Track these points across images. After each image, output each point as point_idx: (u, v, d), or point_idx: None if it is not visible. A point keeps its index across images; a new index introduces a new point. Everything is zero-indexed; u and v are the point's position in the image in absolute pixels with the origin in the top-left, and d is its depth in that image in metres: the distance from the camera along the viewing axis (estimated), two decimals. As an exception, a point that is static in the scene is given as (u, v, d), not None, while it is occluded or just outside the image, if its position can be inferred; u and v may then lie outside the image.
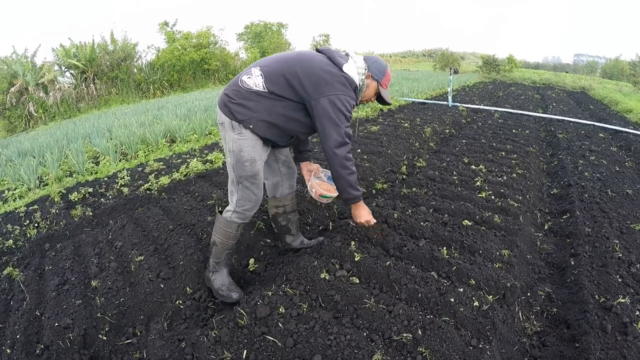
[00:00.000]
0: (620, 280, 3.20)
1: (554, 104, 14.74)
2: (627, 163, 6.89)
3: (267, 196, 3.63)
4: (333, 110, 2.72)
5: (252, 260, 3.56)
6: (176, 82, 25.75)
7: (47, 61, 22.60)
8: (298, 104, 2.81)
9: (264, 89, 2.74)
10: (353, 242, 3.46)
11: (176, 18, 29.34)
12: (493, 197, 4.60)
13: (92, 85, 22.31)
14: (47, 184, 6.36)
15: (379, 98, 3.14)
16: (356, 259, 3.23)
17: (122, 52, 24.36)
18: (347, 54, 2.97)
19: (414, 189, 4.81)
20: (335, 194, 3.22)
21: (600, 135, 9.09)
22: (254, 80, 2.77)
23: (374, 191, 5.22)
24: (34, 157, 7.96)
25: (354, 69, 2.89)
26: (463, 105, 11.94)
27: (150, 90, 24.05)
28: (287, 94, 2.76)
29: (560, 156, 6.96)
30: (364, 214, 3.23)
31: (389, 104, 3.27)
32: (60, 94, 20.69)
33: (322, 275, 3.04)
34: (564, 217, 4.57)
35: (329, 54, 2.89)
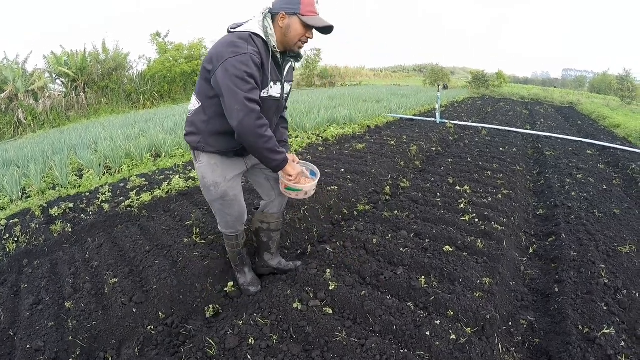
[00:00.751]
0: (605, 308, 3.09)
1: (542, 120, 14.72)
2: (614, 181, 6.82)
3: (255, 208, 3.64)
4: (226, 76, 2.43)
5: (230, 284, 3.47)
6: (166, 94, 25.59)
7: (38, 68, 22.40)
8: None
9: (197, 102, 2.74)
10: (329, 270, 3.36)
11: (168, 29, 29.19)
12: (477, 220, 4.50)
13: (82, 94, 22.13)
14: (29, 196, 6.22)
15: (317, 30, 2.72)
16: (331, 288, 3.13)
17: (114, 61, 24.24)
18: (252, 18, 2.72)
19: (395, 212, 4.69)
20: (301, 186, 2.90)
21: (588, 152, 9.03)
22: (192, 103, 2.81)
23: (355, 213, 5.12)
24: (19, 167, 7.82)
25: (251, 24, 2.63)
26: (451, 122, 11.86)
27: (141, 100, 23.87)
28: (209, 92, 2.66)
29: (548, 175, 6.87)
30: (293, 171, 2.84)
31: (329, 27, 2.65)
32: (50, 102, 20.45)
33: (295, 305, 2.93)
34: (549, 239, 4.47)
35: (229, 28, 2.72)
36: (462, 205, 4.87)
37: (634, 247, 4.07)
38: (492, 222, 4.43)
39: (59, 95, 21.71)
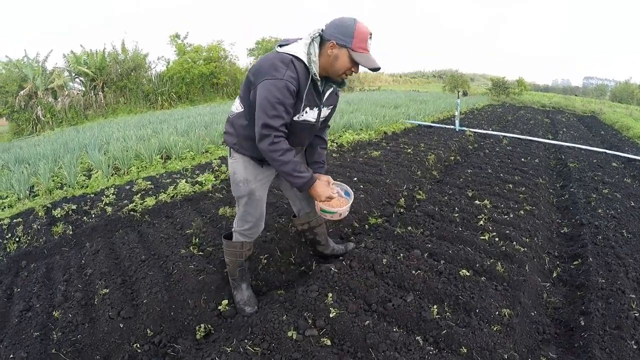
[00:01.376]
0: (635, 347, 2.76)
1: (564, 129, 14.30)
2: (643, 197, 6.44)
3: (293, 216, 3.74)
4: (260, 97, 2.50)
5: (225, 302, 3.28)
6: (184, 95, 25.62)
7: (58, 67, 22.58)
8: None
9: (241, 107, 2.80)
10: (331, 294, 3.08)
11: (187, 31, 29.20)
12: (497, 239, 4.17)
13: (100, 93, 22.23)
14: (37, 195, 6.20)
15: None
16: (332, 315, 2.85)
17: (132, 62, 24.26)
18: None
19: (409, 228, 4.38)
20: (335, 209, 2.95)
21: (614, 164, 8.63)
22: (235, 104, 2.88)
23: (366, 226, 4.82)
24: (29, 165, 7.83)
25: (298, 45, 2.59)
26: (470, 130, 11.50)
27: (158, 101, 23.94)
28: (250, 101, 2.70)
29: (572, 189, 6.50)
30: (320, 192, 2.86)
31: (376, 69, 2.61)
32: (69, 100, 20.60)
33: (290, 334, 2.67)
34: (574, 262, 4.12)
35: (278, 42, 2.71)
36: (481, 222, 4.54)
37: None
38: (514, 242, 4.10)
39: (77, 93, 21.80)
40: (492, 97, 30.55)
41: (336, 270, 3.39)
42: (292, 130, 2.71)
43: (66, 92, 20.99)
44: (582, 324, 3.08)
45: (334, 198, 2.96)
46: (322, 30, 2.60)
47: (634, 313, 3.11)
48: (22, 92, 19.69)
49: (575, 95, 41.13)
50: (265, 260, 3.80)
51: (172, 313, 3.13)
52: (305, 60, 2.54)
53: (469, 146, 9.93)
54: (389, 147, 8.60)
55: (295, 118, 2.67)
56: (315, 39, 2.58)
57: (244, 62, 49.55)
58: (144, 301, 3.13)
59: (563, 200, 6.21)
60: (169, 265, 3.60)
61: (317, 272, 3.53)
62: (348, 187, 3.26)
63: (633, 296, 3.33)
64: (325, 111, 2.94)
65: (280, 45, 2.63)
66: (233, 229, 3.22)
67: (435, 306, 2.97)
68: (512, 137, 11.02)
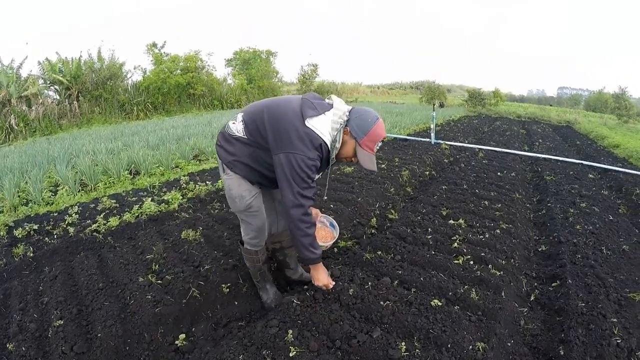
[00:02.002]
0: (619, 379, 2.56)
1: (540, 140, 14.32)
2: (620, 209, 6.33)
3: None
4: (288, 169, 2.65)
5: (182, 336, 3.07)
6: (160, 105, 25.12)
7: (33, 74, 21.91)
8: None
9: (244, 135, 2.87)
10: (291, 330, 2.83)
11: (164, 40, 28.83)
12: (472, 262, 3.96)
13: (75, 102, 21.60)
14: (1, 211, 5.92)
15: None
16: (291, 354, 2.63)
17: (108, 71, 23.73)
18: (330, 104, 2.87)
19: (379, 253, 4.14)
20: (327, 243, 3.21)
21: (590, 175, 8.56)
22: (237, 126, 2.92)
23: (335, 250, 4.59)
24: None
25: (327, 123, 2.77)
26: (446, 142, 11.36)
27: (134, 111, 23.36)
28: (261, 141, 2.81)
29: (549, 203, 6.35)
30: (321, 277, 3.14)
31: (371, 171, 3.01)
32: (43, 109, 19.97)
33: (244, 378, 2.39)
34: (553, 284, 3.94)
35: (303, 102, 2.78)
36: (455, 244, 4.33)
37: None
38: (489, 266, 3.91)
39: (52, 102, 21.20)
40: (468, 108, 30.76)
41: (299, 303, 3.15)
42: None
43: (40, 101, 20.38)
44: (562, 353, 2.88)
45: (331, 285, 3.22)
46: (350, 112, 2.82)
47: (616, 340, 2.91)
48: (-6, 100, 19.11)
49: (550, 105, 41.66)
50: (227, 290, 3.61)
51: (127, 348, 2.96)
52: (329, 145, 2.77)
53: (445, 160, 9.79)
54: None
55: None
56: (343, 128, 2.79)
57: (222, 72, 49.30)
58: (98, 335, 2.95)
59: (540, 215, 6.06)
60: (127, 294, 3.43)
61: (279, 305, 3.35)
62: (334, 221, 3.45)
63: (615, 320, 3.15)
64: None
65: (310, 116, 2.71)
66: (242, 237, 3.32)
67: (403, 342, 2.73)
68: (488, 150, 10.93)
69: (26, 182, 7.10)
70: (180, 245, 4.38)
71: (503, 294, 3.45)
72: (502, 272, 3.80)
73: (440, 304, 3.18)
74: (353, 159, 2.91)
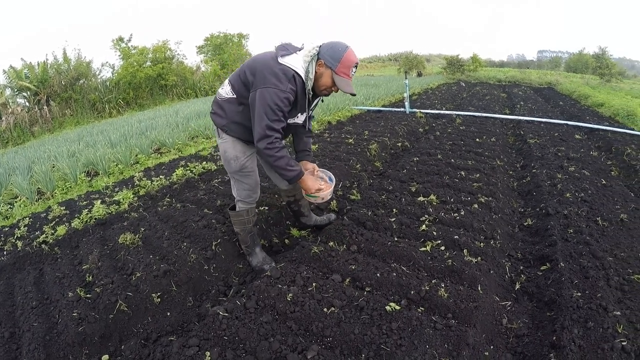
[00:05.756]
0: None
1: (522, 103, 13.75)
2: (612, 172, 5.71)
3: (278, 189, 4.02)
4: (260, 102, 2.78)
5: (105, 357, 2.69)
6: (132, 100, 24.39)
7: None
8: None
9: (232, 94, 3.06)
10: (209, 352, 2.26)
11: (131, 33, 28.00)
12: (443, 248, 3.31)
13: (45, 107, 20.81)
14: None
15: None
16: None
17: (75, 71, 22.98)
18: (302, 47, 2.98)
19: (331, 244, 3.47)
20: (318, 194, 3.24)
21: (577, 136, 7.93)
22: (225, 89, 3.11)
23: (287, 241, 3.91)
24: None
25: (299, 59, 2.88)
26: (422, 111, 10.68)
27: (106, 109, 22.64)
28: (245, 94, 2.96)
29: (534, 169, 5.70)
30: (310, 185, 3.20)
31: (352, 94, 3.08)
32: (14, 118, 19.14)
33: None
34: (542, 267, 3.28)
35: (277, 48, 2.95)
36: (424, 226, 3.66)
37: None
38: (464, 251, 3.26)
39: (22, 110, 20.30)
40: (446, 76, 30.27)
41: (225, 314, 2.53)
42: (284, 129, 2.98)
43: (10, 110, 19.57)
44: (554, 363, 2.22)
45: (322, 189, 3.25)
46: (319, 47, 2.94)
47: (621, 342, 2.26)
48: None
49: (528, 68, 41.34)
50: (159, 299, 3.11)
51: (49, 373, 2.60)
52: (303, 76, 2.89)
53: (420, 129, 9.12)
54: (329, 139, 7.62)
55: (289, 121, 3.05)
56: (314, 58, 2.92)
57: (195, 60, 48.13)
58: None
59: (525, 184, 5.40)
60: (56, 312, 3.05)
61: (206, 316, 2.75)
62: (332, 174, 3.54)
63: (618, 313, 2.51)
64: (311, 113, 3.35)
65: (281, 56, 2.85)
66: (235, 200, 3.47)
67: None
68: (466, 116, 10.30)
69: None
70: (117, 251, 3.85)
71: (480, 287, 2.80)
72: (479, 258, 3.17)
73: (398, 307, 2.53)
74: (332, 88, 3.00)
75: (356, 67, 2.96)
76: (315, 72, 2.95)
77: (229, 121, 3.09)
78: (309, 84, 2.95)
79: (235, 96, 3.04)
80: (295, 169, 3.05)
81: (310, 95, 3.06)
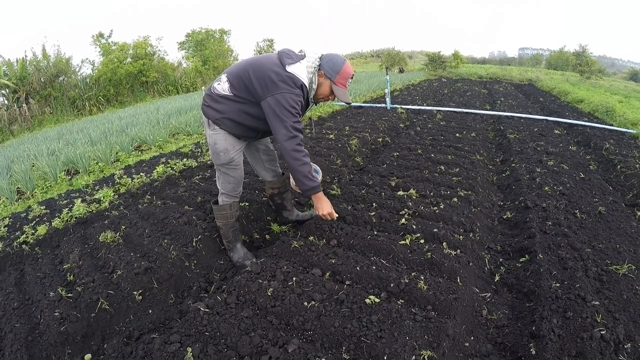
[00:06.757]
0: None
1: (502, 99, 13.88)
2: (590, 166, 5.77)
3: (261, 180, 4.14)
4: (278, 107, 2.87)
5: (88, 356, 2.64)
6: (113, 97, 24.00)
7: None
8: (257, 104, 3.01)
9: (230, 92, 3.08)
10: (191, 348, 2.23)
11: (111, 29, 27.59)
12: (422, 241, 3.31)
13: (24, 105, 20.38)
14: None
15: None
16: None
17: (55, 67, 22.52)
18: (303, 55, 3.07)
19: (311, 239, 3.46)
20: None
21: (556, 132, 8.02)
22: (222, 86, 3.12)
23: (267, 236, 3.90)
24: None
25: (303, 69, 2.99)
26: (403, 106, 10.73)
27: (86, 107, 22.22)
28: (246, 96, 3.02)
29: (514, 164, 5.74)
30: (324, 206, 3.24)
31: (347, 104, 3.36)
32: None
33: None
34: (521, 259, 3.30)
35: (280, 54, 3.04)
36: (403, 220, 3.66)
37: (632, 266, 2.99)
38: (443, 244, 3.26)
39: (0, 108, 19.94)
40: (428, 72, 30.44)
41: (206, 310, 2.52)
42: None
43: None
44: (534, 352, 2.25)
45: (335, 216, 3.31)
46: (320, 58, 3.10)
47: (600, 331, 2.27)
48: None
49: (509, 65, 41.75)
50: (140, 297, 3.09)
51: (31, 375, 2.58)
52: (308, 87, 3.03)
53: (400, 125, 9.15)
54: (309, 135, 7.61)
55: None
56: (317, 70, 3.07)
57: (176, 56, 47.59)
58: (4, 361, 2.59)
59: (504, 177, 5.45)
60: (37, 313, 3.01)
61: (187, 313, 2.76)
62: (317, 166, 3.66)
63: (597, 303, 2.54)
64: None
65: (289, 64, 2.95)
66: (219, 193, 3.47)
67: (324, 358, 2.05)
68: (447, 111, 10.35)
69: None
70: (98, 249, 3.80)
71: (459, 280, 2.81)
72: (459, 251, 3.18)
73: (377, 300, 2.53)
74: (330, 97, 3.20)
75: (352, 78, 3.17)
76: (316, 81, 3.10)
77: (223, 117, 3.11)
78: (312, 94, 3.12)
79: (233, 94, 3.06)
80: (316, 181, 3.13)
81: (311, 104, 3.26)
